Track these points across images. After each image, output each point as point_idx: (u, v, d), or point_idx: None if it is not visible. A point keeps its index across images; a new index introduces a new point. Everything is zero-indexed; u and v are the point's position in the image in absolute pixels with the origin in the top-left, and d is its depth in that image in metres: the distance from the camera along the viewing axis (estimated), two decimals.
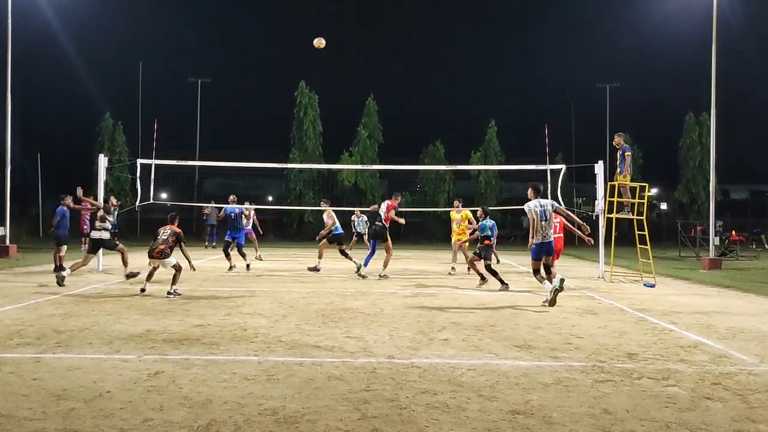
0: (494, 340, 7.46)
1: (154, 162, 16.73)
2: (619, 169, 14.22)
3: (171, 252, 11.46)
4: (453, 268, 16.38)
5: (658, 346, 7.28)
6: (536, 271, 10.69)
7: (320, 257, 16.32)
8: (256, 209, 20.08)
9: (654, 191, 41.67)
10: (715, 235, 20.48)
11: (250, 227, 19.20)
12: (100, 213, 14.19)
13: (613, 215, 14.50)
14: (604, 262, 15.61)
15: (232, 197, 16.71)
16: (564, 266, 18.89)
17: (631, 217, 14.53)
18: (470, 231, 15.01)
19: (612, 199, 14.36)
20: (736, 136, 41.72)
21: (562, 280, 10.34)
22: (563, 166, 17.84)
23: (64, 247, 15.13)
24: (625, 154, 14.18)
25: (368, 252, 15.15)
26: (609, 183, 14.76)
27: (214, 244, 25.90)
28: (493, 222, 13.23)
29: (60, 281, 12.29)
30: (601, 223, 15.54)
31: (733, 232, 26.19)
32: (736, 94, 40.39)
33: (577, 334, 7.95)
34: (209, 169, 35.60)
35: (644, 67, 69.95)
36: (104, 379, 5.53)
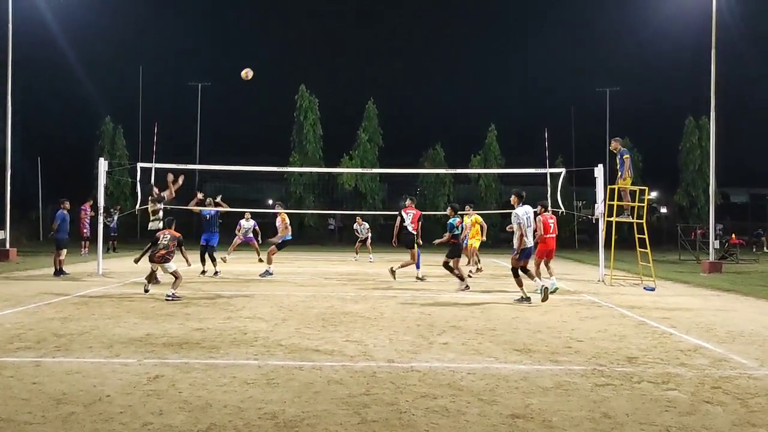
0: (494, 344, 7.46)
1: (154, 165, 16.74)
2: (619, 173, 14.23)
3: (171, 257, 11.60)
4: (470, 271, 16.86)
5: (658, 349, 7.28)
6: (516, 270, 11.24)
7: (269, 262, 15.75)
8: (256, 214, 20.04)
9: (654, 194, 41.72)
10: (715, 239, 20.49)
11: (251, 235, 19.29)
12: (152, 207, 14.45)
13: (613, 218, 14.50)
14: (604, 266, 15.61)
15: (209, 200, 16.34)
16: (564, 270, 18.90)
17: (631, 220, 14.54)
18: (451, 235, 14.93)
19: (612, 203, 14.37)
20: (736, 139, 41.79)
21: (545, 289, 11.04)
22: (563, 170, 17.86)
23: (64, 251, 15.15)
24: (624, 157, 14.21)
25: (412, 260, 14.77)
26: (609, 186, 14.77)
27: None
28: (461, 220, 13.28)
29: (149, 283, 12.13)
30: (601, 226, 15.54)
31: (733, 236, 26.24)
32: (736, 97, 40.51)
33: (577, 337, 7.95)
34: (209, 173, 35.59)
35: (644, 71, 70.03)
36: (104, 383, 5.53)
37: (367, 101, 37.23)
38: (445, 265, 13.09)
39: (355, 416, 4.73)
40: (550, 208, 13.53)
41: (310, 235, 35.72)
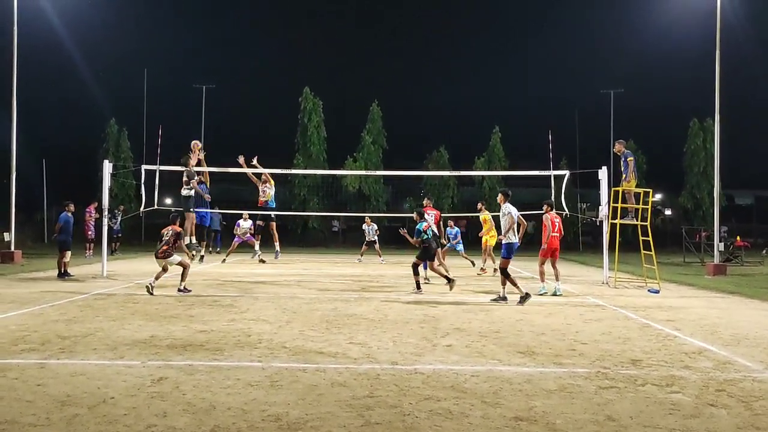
0: (498, 347, 7.45)
1: (158, 168, 16.77)
2: (624, 175, 14.21)
3: (173, 252, 12.12)
4: (482, 269, 17.67)
5: (663, 352, 7.26)
6: (505, 269, 11.46)
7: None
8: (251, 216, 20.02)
9: (658, 197, 41.63)
10: (720, 241, 20.42)
11: (249, 235, 19.44)
12: (185, 179, 14.93)
13: (617, 221, 14.48)
14: (609, 268, 15.58)
15: (198, 177, 16.17)
16: (568, 272, 18.87)
17: (636, 222, 14.51)
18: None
19: (616, 205, 14.35)
20: (741, 141, 41.71)
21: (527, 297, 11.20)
22: (567, 172, 17.81)
23: (68, 253, 15.18)
24: (628, 159, 14.18)
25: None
26: (613, 188, 14.74)
27: (218, 249, 25.95)
28: (428, 225, 13.31)
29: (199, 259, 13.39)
30: (606, 228, 15.51)
31: (738, 238, 26.12)
32: (741, 99, 40.39)
33: (581, 340, 7.93)
34: (213, 175, 35.62)
35: (648, 73, 69.93)
36: (108, 385, 5.55)
37: (371, 103, 37.27)
38: (414, 266, 13.16)
39: (359, 418, 4.74)
40: (554, 207, 13.61)
41: (314, 237, 35.75)
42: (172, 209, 15.88)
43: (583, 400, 5.27)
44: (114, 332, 8.01)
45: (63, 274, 14.93)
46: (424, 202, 15.09)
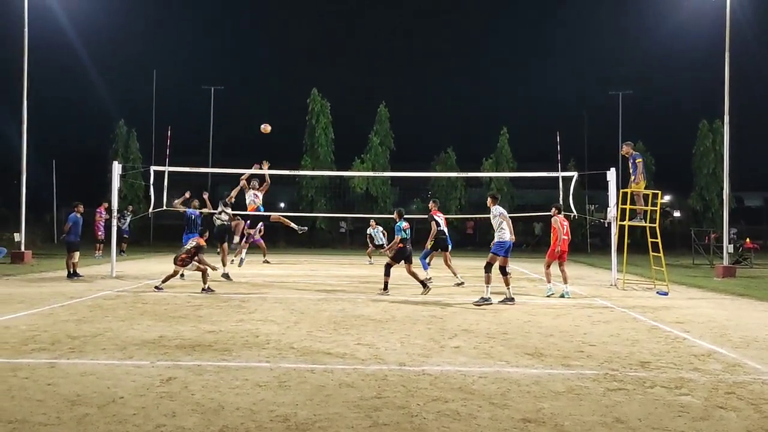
0: (506, 348, 7.45)
1: (167, 169, 16.85)
2: (632, 177, 14.15)
3: (191, 261, 12.61)
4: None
5: (671, 354, 7.24)
6: (490, 265, 11.38)
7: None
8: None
9: (667, 198, 41.41)
10: (729, 243, 20.30)
11: (257, 236, 19.50)
12: (219, 208, 15.35)
13: (626, 222, 14.43)
14: (617, 270, 15.52)
15: (195, 201, 16.13)
16: (577, 274, 18.82)
17: (644, 224, 14.46)
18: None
19: (625, 206, 14.30)
20: (750, 142, 41.46)
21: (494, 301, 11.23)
22: (575, 174, 17.78)
23: (77, 254, 15.25)
24: (637, 161, 14.13)
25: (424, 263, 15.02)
26: (621, 190, 14.69)
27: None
28: (407, 224, 13.29)
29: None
30: (614, 230, 15.46)
31: (748, 240, 25.96)
32: (750, 100, 40.15)
33: (589, 342, 7.92)
34: (222, 176, 35.74)
35: (657, 74, 69.74)
36: (117, 384, 5.58)
37: (378, 105, 37.27)
38: (387, 266, 13.14)
39: (367, 419, 4.75)
40: (562, 210, 13.65)
41: (321, 238, 35.78)
42: (180, 210, 15.97)
43: (591, 402, 5.26)
44: (123, 332, 8.06)
45: (72, 275, 15.01)
46: (430, 205, 15.07)
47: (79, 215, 15.51)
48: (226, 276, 14.84)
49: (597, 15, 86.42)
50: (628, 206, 14.26)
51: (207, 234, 13.30)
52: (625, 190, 14.36)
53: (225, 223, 15.34)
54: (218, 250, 15.55)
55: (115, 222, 16.52)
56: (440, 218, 14.56)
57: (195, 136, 41.25)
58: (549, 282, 13.16)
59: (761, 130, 47.88)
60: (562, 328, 8.89)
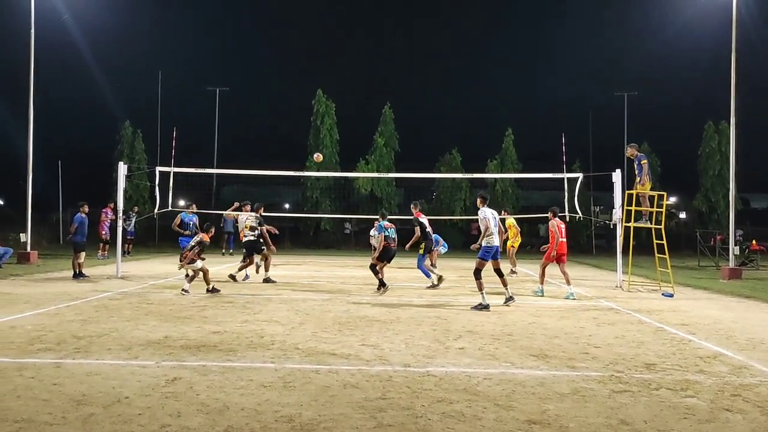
0: (511, 349, 7.43)
1: (172, 170, 16.89)
2: (638, 178, 14.12)
3: (197, 258, 12.55)
4: (513, 271, 18.06)
5: (677, 356, 7.21)
6: (479, 271, 11.15)
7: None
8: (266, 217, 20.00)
9: (673, 200, 41.26)
10: (735, 245, 20.23)
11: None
12: (251, 223, 15.03)
13: (631, 224, 14.39)
14: (622, 271, 15.48)
15: (193, 206, 16.34)
16: (582, 275, 18.79)
17: (650, 226, 14.41)
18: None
19: (630, 208, 14.26)
20: (757, 144, 41.25)
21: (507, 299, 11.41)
22: (580, 175, 17.74)
23: (83, 254, 15.30)
24: (642, 162, 14.10)
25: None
26: (627, 191, 14.65)
27: (231, 251, 26.09)
28: (390, 224, 13.34)
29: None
30: (619, 231, 15.42)
31: (754, 242, 25.84)
32: (757, 101, 39.93)
33: (595, 343, 7.90)
34: (227, 177, 35.83)
35: (662, 75, 69.59)
36: (123, 384, 5.59)
37: (383, 106, 37.27)
38: (372, 267, 13.24)
39: (371, 420, 4.74)
40: (558, 214, 13.81)
41: (326, 239, 35.80)
42: (185, 211, 16.01)
43: (596, 404, 5.25)
44: (128, 332, 8.08)
45: (78, 275, 15.05)
46: (412, 207, 15.21)
47: (84, 215, 15.55)
48: (267, 280, 15.07)
49: (603, 16, 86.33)
50: (633, 208, 14.23)
51: (212, 230, 13.26)
52: (631, 191, 14.33)
53: (253, 237, 14.96)
54: (260, 258, 15.43)
55: (120, 223, 16.56)
56: (424, 219, 14.79)
57: (200, 136, 41.37)
58: (541, 284, 13.40)
59: None
60: (567, 330, 8.88)
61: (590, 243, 36.28)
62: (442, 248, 18.42)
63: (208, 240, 12.88)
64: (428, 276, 14.44)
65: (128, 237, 24.13)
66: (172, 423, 4.61)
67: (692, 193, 39.46)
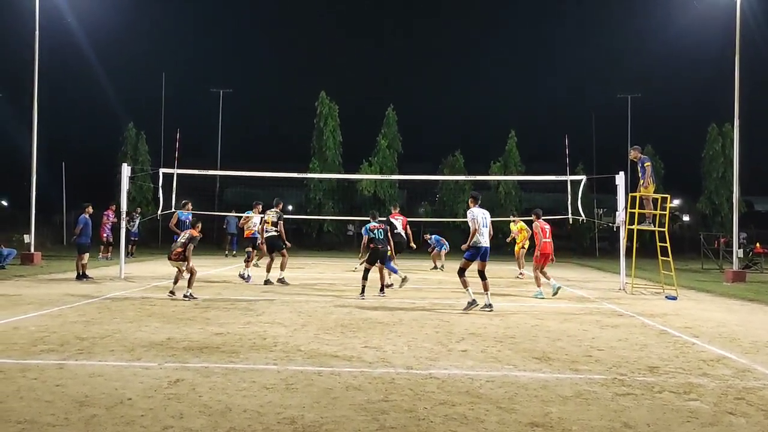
0: (513, 352, 7.42)
1: (176, 171, 16.91)
2: (641, 181, 14.10)
3: (185, 255, 12.08)
4: (521, 273, 18.30)
5: (680, 359, 7.20)
6: (463, 270, 11.14)
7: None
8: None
9: (676, 203, 41.21)
10: (739, 248, 20.17)
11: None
12: (273, 219, 15.19)
13: (635, 226, 14.36)
14: (625, 274, 15.45)
15: (189, 205, 16.27)
16: (585, 278, 18.77)
17: (653, 228, 14.39)
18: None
19: (633, 210, 14.24)
20: (760, 146, 41.15)
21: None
22: (584, 177, 17.73)
23: (86, 255, 15.33)
24: (645, 164, 14.08)
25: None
26: (630, 194, 14.63)
27: (234, 252, 26.11)
28: (377, 225, 13.31)
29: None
30: (622, 234, 15.40)
31: (758, 245, 25.77)
32: (760, 103, 39.83)
33: (598, 346, 7.88)
34: (230, 179, 35.83)
35: (666, 77, 69.53)
36: (125, 386, 5.60)
37: (387, 108, 37.27)
38: (365, 271, 13.18)
39: (374, 422, 4.74)
40: (542, 216, 14.03)
41: (329, 241, 35.81)
42: (182, 210, 16.04)
43: (599, 407, 5.24)
44: (131, 334, 8.09)
45: (81, 276, 15.08)
46: (393, 209, 15.42)
47: (88, 217, 15.58)
48: (281, 281, 15.10)
49: (606, 18, 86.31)
50: (637, 210, 14.20)
51: (199, 225, 12.82)
52: (634, 194, 14.31)
53: (276, 233, 15.08)
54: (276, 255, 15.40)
55: (123, 224, 16.58)
56: (398, 221, 15.05)
57: (204, 138, 41.43)
58: (538, 286, 13.48)
59: None
60: (570, 333, 8.86)
61: (593, 245, 36.22)
62: (443, 248, 18.38)
63: (198, 234, 12.38)
64: (395, 271, 14.41)
65: (132, 238, 24.16)
66: (175, 425, 4.62)
67: (696, 195, 39.38)
